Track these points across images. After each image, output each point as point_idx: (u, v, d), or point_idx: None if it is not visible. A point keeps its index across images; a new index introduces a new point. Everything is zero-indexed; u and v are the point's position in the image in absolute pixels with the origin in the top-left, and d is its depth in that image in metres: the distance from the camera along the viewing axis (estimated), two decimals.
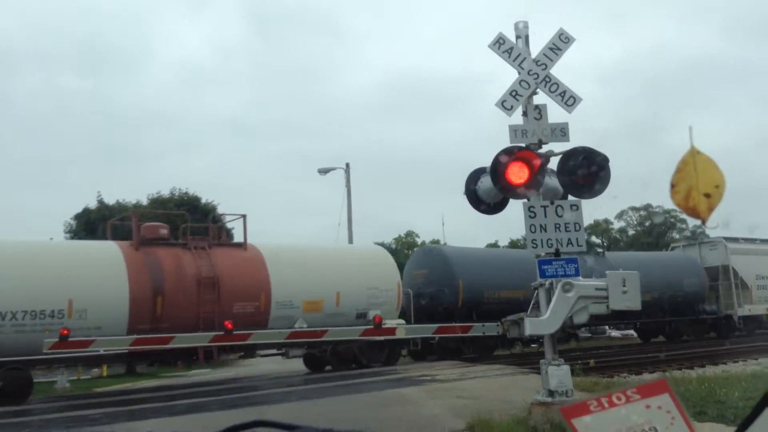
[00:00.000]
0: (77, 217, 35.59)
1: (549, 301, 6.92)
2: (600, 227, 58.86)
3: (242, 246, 17.17)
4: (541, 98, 7.50)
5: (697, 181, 2.34)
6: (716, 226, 2.40)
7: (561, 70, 7.46)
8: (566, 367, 7.01)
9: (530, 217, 7.20)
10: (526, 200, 7.26)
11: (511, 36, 7.58)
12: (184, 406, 10.85)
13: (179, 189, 38.30)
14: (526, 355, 18.94)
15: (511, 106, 7.35)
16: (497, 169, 6.95)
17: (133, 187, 69.60)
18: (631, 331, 31.48)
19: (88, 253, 15.63)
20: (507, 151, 7.01)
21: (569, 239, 7.16)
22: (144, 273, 15.18)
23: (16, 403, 12.86)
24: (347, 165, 28.50)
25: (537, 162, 6.99)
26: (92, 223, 34.04)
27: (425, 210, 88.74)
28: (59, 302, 13.81)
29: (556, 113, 7.47)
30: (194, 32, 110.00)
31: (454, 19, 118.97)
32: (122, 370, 23.05)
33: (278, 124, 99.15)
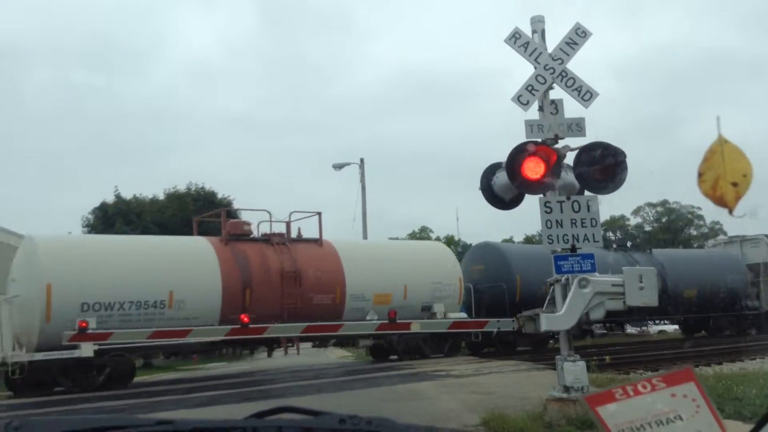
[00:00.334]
0: (95, 211, 35.90)
1: (565, 297, 6.90)
2: (617, 223, 58.43)
3: (318, 242, 17.94)
4: (556, 93, 7.43)
5: (724, 170, 2.32)
6: (743, 215, 2.39)
7: (575, 66, 7.41)
8: (582, 363, 6.97)
9: (546, 212, 7.16)
10: (542, 195, 7.22)
11: (527, 31, 7.54)
12: (205, 399, 11.00)
13: (195, 184, 38.57)
14: (541, 352, 18.90)
15: (527, 101, 7.29)
16: (513, 165, 6.91)
17: (146, 182, 70.07)
18: (656, 328, 32.90)
19: (184, 248, 16.45)
20: (523, 147, 6.97)
21: (585, 235, 7.12)
22: (234, 267, 16.04)
23: (121, 387, 13.93)
24: (362, 160, 28.48)
25: (553, 157, 6.94)
26: (110, 218, 34.33)
27: (437, 205, 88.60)
28: (161, 294, 14.74)
29: (570, 108, 7.41)
30: (205, 29, 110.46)
31: (466, 15, 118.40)
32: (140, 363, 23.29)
33: (287, 121, 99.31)
